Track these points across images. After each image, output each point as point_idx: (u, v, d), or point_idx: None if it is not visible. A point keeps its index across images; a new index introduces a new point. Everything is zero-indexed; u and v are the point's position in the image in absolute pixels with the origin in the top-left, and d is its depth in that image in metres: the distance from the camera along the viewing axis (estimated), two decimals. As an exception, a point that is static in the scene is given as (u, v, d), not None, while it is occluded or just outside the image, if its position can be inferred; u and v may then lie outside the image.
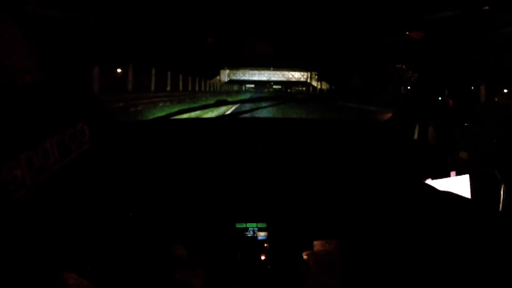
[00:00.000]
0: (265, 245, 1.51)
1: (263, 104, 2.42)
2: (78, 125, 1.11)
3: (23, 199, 0.88)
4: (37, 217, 1.03)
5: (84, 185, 1.36)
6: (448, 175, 1.55)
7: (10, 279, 0.82)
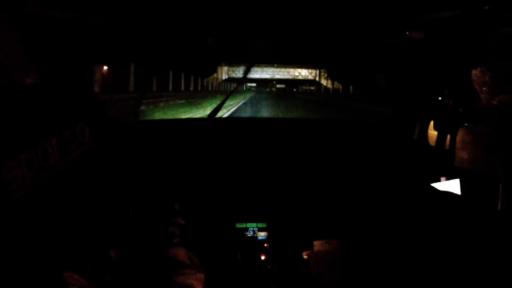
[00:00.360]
0: (265, 245, 1.51)
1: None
2: (78, 125, 1.11)
3: (23, 199, 0.88)
4: (37, 217, 1.03)
5: (84, 185, 1.36)
6: (439, 180, 1.55)
7: (10, 279, 0.82)
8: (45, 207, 1.03)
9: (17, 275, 0.83)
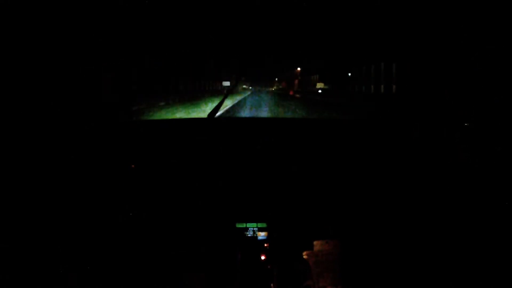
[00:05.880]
0: (265, 245, 1.51)
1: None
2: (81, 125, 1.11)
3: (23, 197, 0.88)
4: (38, 217, 1.03)
5: (85, 184, 1.36)
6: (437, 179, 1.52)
7: (11, 279, 0.82)
8: (46, 207, 1.03)
9: (18, 275, 0.84)
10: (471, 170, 1.49)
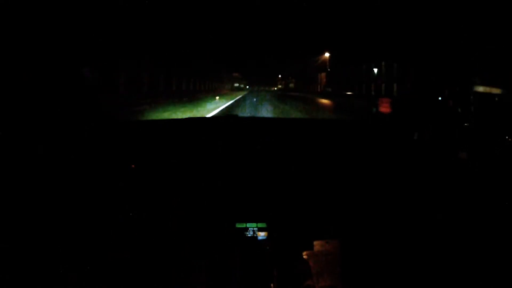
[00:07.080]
0: (265, 245, 1.51)
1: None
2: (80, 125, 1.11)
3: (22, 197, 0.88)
4: (38, 217, 1.03)
5: (86, 184, 1.36)
6: (438, 179, 1.52)
7: (11, 279, 0.82)
8: (46, 207, 1.03)
9: (18, 275, 0.84)
10: (471, 170, 1.49)
